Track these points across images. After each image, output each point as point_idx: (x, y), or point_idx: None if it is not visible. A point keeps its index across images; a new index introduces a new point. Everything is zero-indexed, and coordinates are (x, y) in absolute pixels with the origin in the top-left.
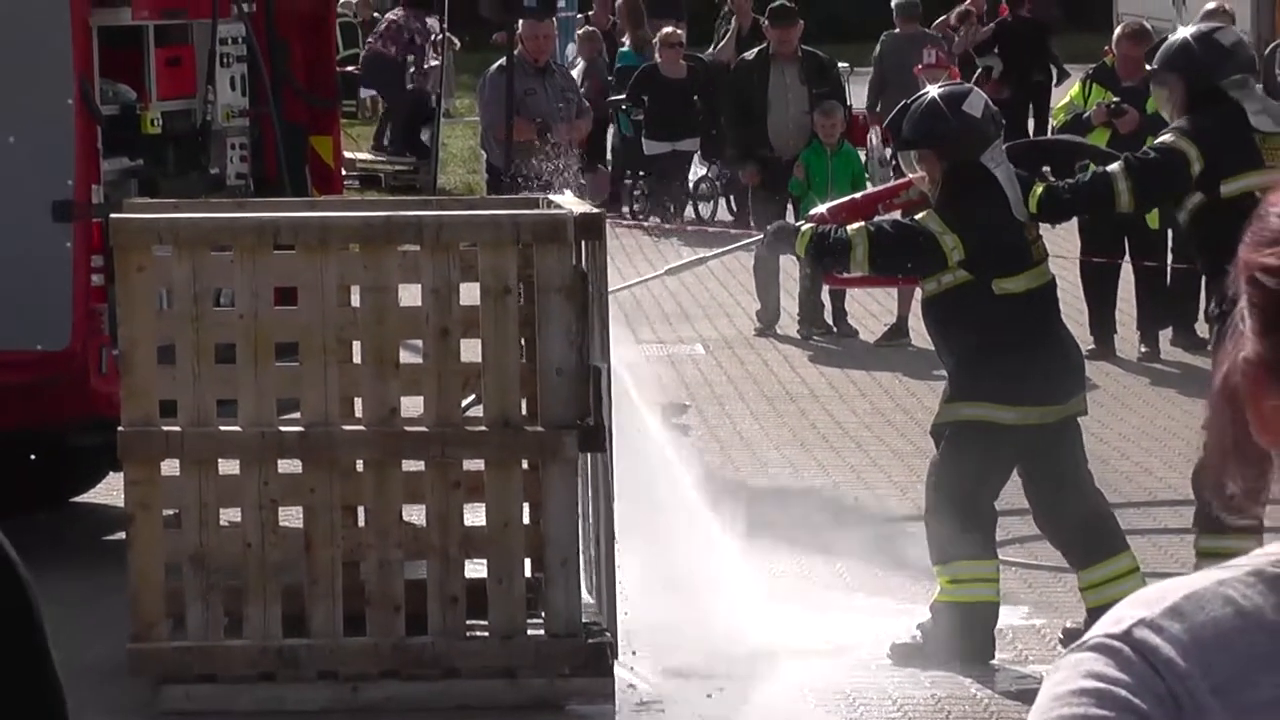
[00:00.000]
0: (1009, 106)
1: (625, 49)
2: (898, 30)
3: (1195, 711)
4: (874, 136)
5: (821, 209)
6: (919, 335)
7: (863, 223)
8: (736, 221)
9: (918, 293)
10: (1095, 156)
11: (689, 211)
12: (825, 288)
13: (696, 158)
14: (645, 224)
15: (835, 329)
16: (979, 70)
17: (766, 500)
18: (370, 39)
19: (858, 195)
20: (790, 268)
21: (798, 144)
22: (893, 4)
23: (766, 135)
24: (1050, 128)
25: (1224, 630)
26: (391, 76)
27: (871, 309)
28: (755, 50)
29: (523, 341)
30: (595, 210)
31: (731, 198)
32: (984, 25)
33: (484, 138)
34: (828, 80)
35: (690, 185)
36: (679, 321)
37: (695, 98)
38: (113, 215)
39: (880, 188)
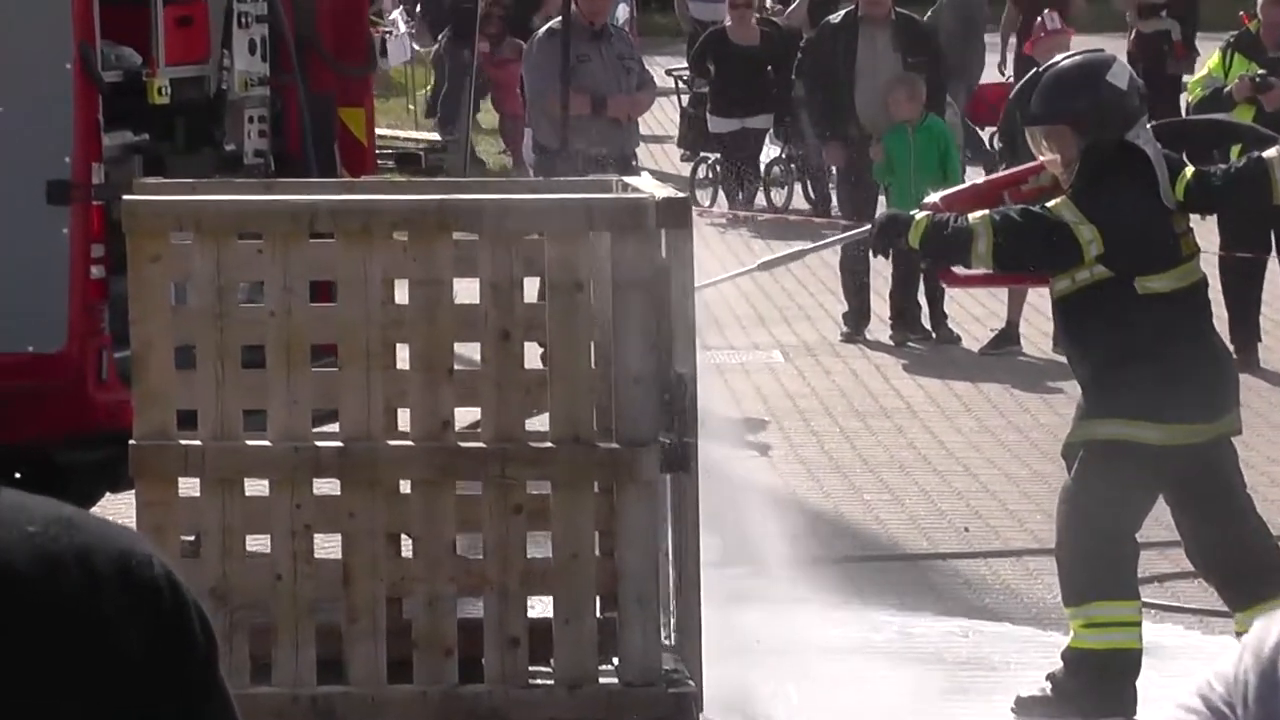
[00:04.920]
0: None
1: None
2: None
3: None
4: None
5: (935, 197)
6: (1030, 342)
7: (986, 211)
8: (815, 210)
9: (1030, 294)
10: (1250, 138)
11: (760, 198)
12: (920, 286)
13: (769, 136)
14: (711, 212)
15: (933, 334)
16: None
17: (860, 531)
18: None
19: (980, 181)
20: (881, 264)
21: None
22: None
23: (854, 110)
24: (1185, 104)
25: None
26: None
27: (975, 311)
28: (842, 13)
29: (593, 346)
30: (680, 195)
31: (809, 182)
32: None
33: (530, 110)
34: (925, 49)
35: (762, 168)
36: (753, 326)
37: (769, 68)
38: (125, 198)
39: (1005, 172)
